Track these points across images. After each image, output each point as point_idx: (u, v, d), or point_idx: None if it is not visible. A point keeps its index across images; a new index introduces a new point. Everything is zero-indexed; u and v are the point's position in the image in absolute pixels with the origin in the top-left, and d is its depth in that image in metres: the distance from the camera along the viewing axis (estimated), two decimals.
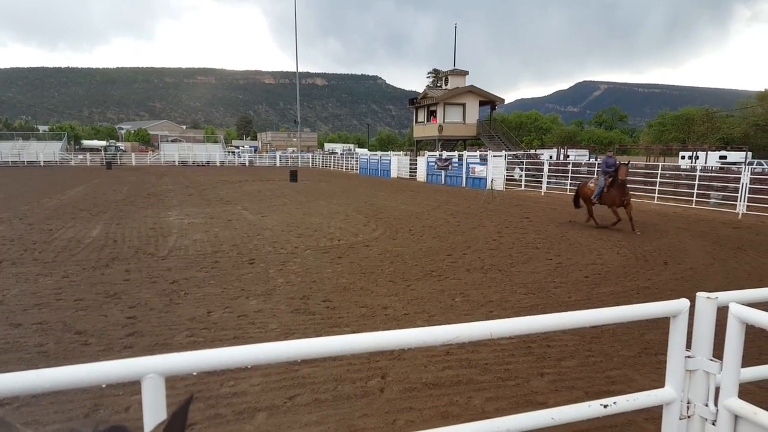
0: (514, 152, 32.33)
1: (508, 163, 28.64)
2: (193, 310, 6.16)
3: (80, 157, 61.29)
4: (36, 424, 3.60)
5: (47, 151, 58.60)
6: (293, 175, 31.52)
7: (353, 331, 5.53)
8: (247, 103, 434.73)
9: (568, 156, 43.94)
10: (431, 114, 40.81)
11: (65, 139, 68.13)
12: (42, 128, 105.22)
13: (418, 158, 35.00)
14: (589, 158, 47.22)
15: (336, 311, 6.20)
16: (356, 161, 48.22)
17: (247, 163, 62.23)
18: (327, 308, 6.32)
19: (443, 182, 31.33)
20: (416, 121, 43.95)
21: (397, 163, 38.42)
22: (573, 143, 71.19)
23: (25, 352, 4.88)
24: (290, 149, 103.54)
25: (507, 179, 27.92)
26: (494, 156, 27.89)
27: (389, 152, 43.39)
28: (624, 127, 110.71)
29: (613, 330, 5.67)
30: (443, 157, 31.60)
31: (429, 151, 37.79)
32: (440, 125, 39.33)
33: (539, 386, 4.29)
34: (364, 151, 77.99)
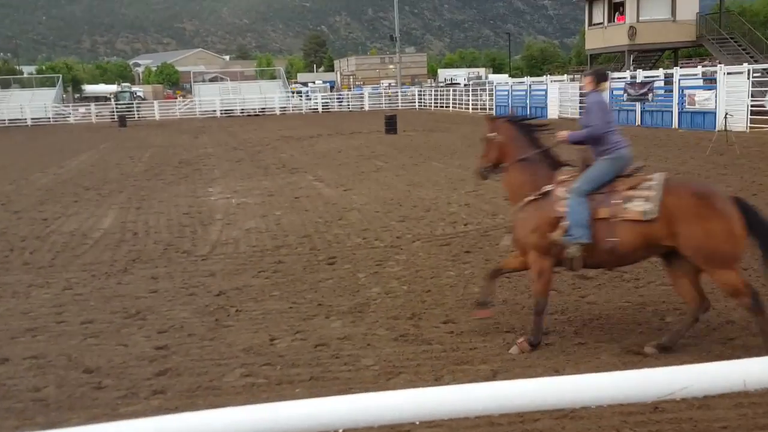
0: (765, 66, 30.19)
1: (754, 84, 26.82)
2: (250, 336, 6.47)
3: (82, 110, 66.39)
4: None
5: (36, 103, 63.58)
6: (391, 124, 31.84)
7: (494, 372, 5.51)
8: (317, 14, 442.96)
9: None
10: (615, 9, 39.42)
11: (60, 84, 73.75)
12: (27, 70, 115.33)
13: None
14: None
15: (465, 339, 6.19)
16: (490, 95, 47.71)
17: (320, 108, 63.90)
18: (450, 334, 6.33)
19: (638, 122, 30.32)
20: (590, 24, 42.65)
21: (559, 94, 37.51)
22: None
23: (15, 399, 5.36)
24: (385, 82, 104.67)
25: (753, 112, 26.19)
26: (729, 74, 26.58)
27: (544, 77, 42.30)
28: None
29: None
30: (638, 80, 30.70)
31: (613, 71, 36.43)
32: (631, 27, 37.86)
33: None
34: (503, 77, 76.85)
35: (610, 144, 5.90)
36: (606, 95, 6.86)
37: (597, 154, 5.91)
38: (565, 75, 45.79)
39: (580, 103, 34.89)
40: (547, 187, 5.91)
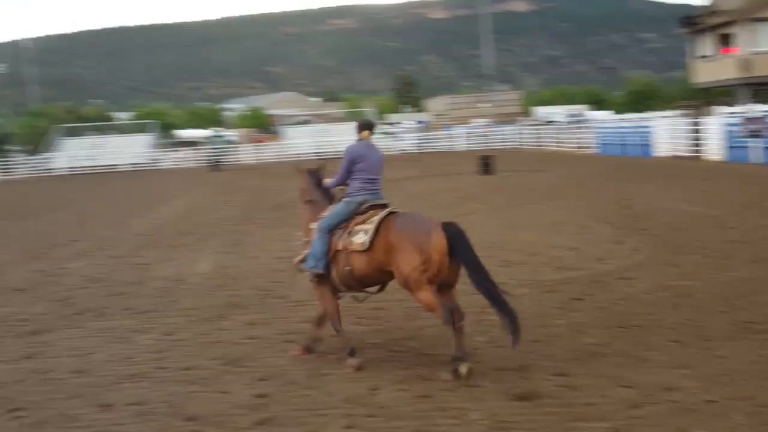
0: None
1: None
2: (351, 386, 6.47)
3: (175, 155, 69.05)
4: None
5: (130, 148, 66.72)
6: (486, 164, 31.69)
7: (614, 430, 5.33)
8: (406, 54, 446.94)
9: None
10: (723, 41, 38.58)
11: (154, 130, 76.99)
12: (121, 116, 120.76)
13: (705, 120, 33.13)
14: None
15: (579, 393, 6.05)
16: (592, 133, 47.07)
17: (411, 148, 64.39)
18: (563, 388, 6.19)
19: (757, 160, 29.04)
20: (697, 56, 41.80)
21: (666, 130, 36.66)
22: None
23: None
24: (478, 121, 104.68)
25: None
26: None
27: (649, 113, 41.52)
28: None
29: None
30: (755, 115, 29.83)
31: (725, 105, 35.42)
32: (745, 59, 36.86)
33: None
34: (603, 114, 75.85)
35: (350, 190, 7.32)
36: (369, 144, 7.55)
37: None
38: (671, 110, 44.87)
39: (690, 139, 34.13)
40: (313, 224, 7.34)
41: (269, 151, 65.78)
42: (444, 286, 6.71)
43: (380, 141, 64.85)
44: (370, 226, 6.85)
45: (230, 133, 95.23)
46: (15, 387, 6.93)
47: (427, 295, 6.55)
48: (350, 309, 9.18)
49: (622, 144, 40.13)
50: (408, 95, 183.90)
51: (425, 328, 8.16)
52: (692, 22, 40.95)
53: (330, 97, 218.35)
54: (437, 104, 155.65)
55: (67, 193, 36.85)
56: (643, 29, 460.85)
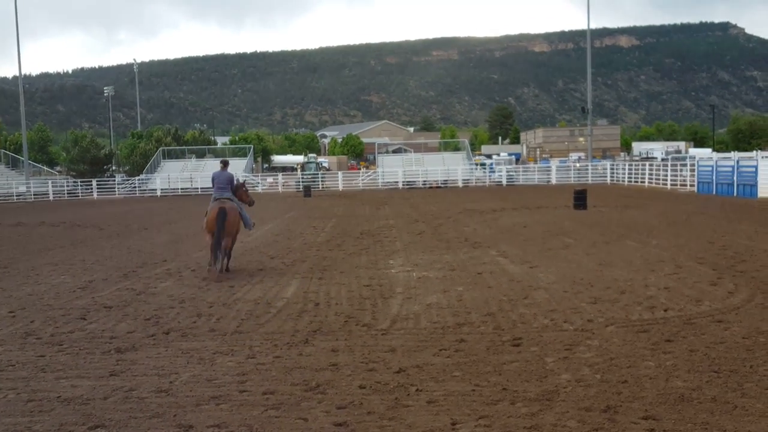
0: None
1: None
2: (431, 419, 6.40)
3: (270, 179, 70.77)
4: None
5: (227, 172, 68.84)
6: (580, 198, 31.30)
7: None
8: (505, 85, 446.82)
9: None
10: None
11: (251, 154, 79.10)
12: (221, 141, 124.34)
13: None
14: None
15: None
16: (691, 170, 45.95)
17: (504, 181, 64.15)
18: None
19: None
20: None
21: None
22: None
23: None
24: (574, 155, 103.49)
25: None
26: None
27: (754, 153, 40.13)
28: None
29: None
30: None
31: None
32: None
33: None
34: (706, 152, 73.74)
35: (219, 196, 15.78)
36: (226, 172, 16.28)
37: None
38: None
39: None
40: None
41: (361, 179, 66.44)
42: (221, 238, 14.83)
43: (473, 172, 64.81)
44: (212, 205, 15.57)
45: (324, 160, 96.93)
46: (98, 404, 7.10)
47: (207, 238, 15.29)
48: (435, 340, 9.16)
49: (724, 183, 39.07)
50: (504, 127, 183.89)
51: (509, 363, 8.04)
52: None
53: (425, 127, 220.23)
54: (532, 137, 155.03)
55: (164, 214, 38.19)
56: (750, 66, 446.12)
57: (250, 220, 16.68)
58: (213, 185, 16.07)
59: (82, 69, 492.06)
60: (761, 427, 6.01)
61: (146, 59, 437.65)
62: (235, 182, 16.43)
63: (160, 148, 75.26)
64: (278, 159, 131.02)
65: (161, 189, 64.44)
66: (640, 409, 6.49)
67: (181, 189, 64.94)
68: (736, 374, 7.45)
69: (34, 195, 64.18)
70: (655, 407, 6.54)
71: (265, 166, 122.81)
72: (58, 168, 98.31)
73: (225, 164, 16.58)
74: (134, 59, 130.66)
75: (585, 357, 8.23)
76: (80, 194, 65.43)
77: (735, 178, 38.24)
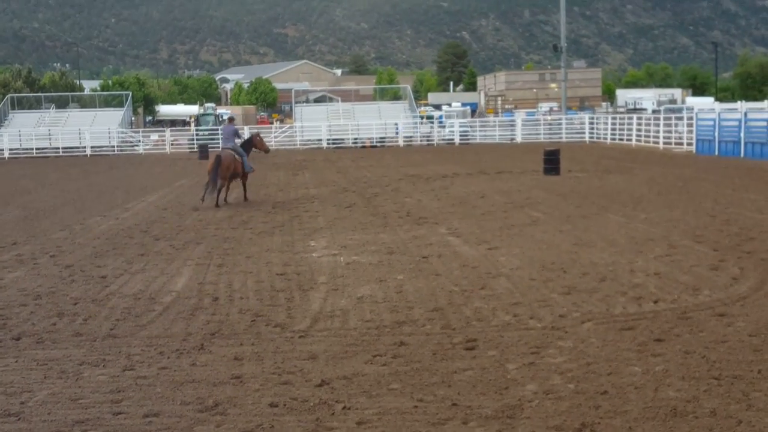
0: None
1: None
2: None
3: (154, 136, 69.33)
4: None
5: (98, 127, 66.65)
6: (552, 161, 31.59)
7: None
8: (457, 16, 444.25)
9: None
10: None
11: (129, 103, 77.01)
12: (89, 85, 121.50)
13: None
14: None
15: None
16: (689, 126, 46.70)
17: (457, 139, 64.32)
18: None
19: None
20: None
21: None
22: None
23: None
24: (545, 106, 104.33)
25: None
26: None
27: (766, 103, 41.09)
28: None
29: None
30: None
31: None
32: None
33: None
34: (707, 101, 75.28)
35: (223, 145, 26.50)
36: (231, 126, 26.67)
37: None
38: None
39: None
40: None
41: (274, 135, 65.78)
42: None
43: (418, 127, 64.83)
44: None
45: (225, 111, 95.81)
46: None
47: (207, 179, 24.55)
48: (368, 343, 9.16)
49: (728, 141, 39.60)
50: (456, 70, 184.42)
51: (461, 372, 8.06)
52: None
53: (356, 69, 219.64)
54: (494, 82, 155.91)
55: (13, 182, 37.21)
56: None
57: (248, 164, 25.19)
58: (220, 136, 28.68)
59: None
60: None
61: None
62: (240, 135, 28.10)
63: (8, 96, 73.15)
64: (165, 110, 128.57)
65: (9, 149, 62.53)
66: (623, 427, 6.58)
67: (37, 149, 62.93)
68: (740, 381, 7.59)
69: None
70: (642, 423, 6.64)
71: (149, 119, 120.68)
72: None
73: (231, 120, 28.34)
74: None
75: (555, 362, 8.32)
76: None
77: (742, 134, 38.80)
